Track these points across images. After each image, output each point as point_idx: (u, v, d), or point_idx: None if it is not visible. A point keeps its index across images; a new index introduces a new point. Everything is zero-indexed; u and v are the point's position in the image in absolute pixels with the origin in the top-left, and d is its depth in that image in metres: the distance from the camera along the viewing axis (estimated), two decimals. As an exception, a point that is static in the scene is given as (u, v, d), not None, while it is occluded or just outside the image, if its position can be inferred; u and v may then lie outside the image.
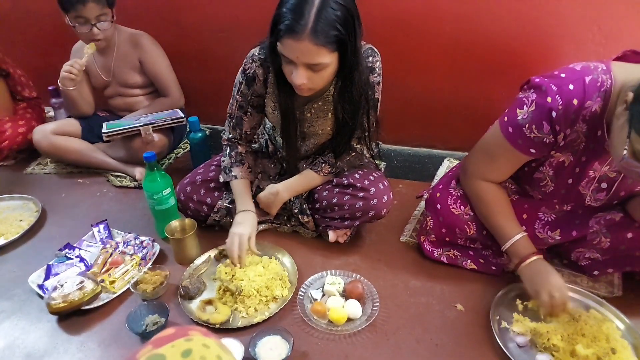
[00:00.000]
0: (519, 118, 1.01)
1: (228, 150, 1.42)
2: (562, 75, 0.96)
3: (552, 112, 0.96)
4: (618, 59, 1.00)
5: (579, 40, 1.48)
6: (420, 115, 1.82)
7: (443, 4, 1.57)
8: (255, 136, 1.48)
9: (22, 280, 1.31)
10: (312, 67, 1.07)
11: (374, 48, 1.24)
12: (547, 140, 1.01)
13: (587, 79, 0.93)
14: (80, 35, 1.71)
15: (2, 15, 2.22)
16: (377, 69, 1.24)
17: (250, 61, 1.27)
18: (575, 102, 0.94)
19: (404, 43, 1.67)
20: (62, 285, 1.22)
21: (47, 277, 1.31)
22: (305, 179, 1.39)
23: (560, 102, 0.95)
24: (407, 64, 1.71)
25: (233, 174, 1.38)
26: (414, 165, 1.84)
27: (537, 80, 0.99)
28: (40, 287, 1.28)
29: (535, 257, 1.10)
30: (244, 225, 1.30)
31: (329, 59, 1.06)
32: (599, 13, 1.42)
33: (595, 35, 1.45)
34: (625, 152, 0.85)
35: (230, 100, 1.37)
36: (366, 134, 1.30)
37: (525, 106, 1.00)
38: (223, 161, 1.42)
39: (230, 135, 1.41)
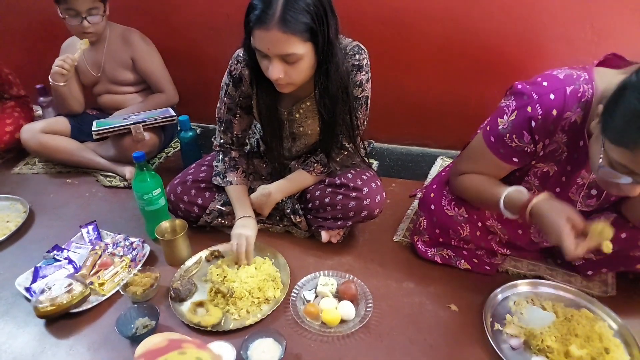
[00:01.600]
0: (499, 127, 1.01)
1: (221, 156, 1.40)
2: (545, 83, 0.95)
3: (532, 122, 0.96)
4: (601, 63, 0.99)
5: (571, 38, 1.48)
6: (413, 114, 1.81)
7: (435, 3, 1.56)
8: (246, 139, 1.46)
9: (9, 283, 1.29)
10: (286, 58, 1.05)
11: (361, 45, 1.22)
12: (528, 150, 1.01)
13: (569, 90, 0.92)
14: (70, 28, 1.68)
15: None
16: (364, 67, 1.22)
17: (236, 62, 1.26)
18: (554, 112, 0.94)
19: (396, 42, 1.67)
20: (50, 288, 1.20)
21: (34, 280, 1.29)
22: (298, 179, 1.37)
23: (540, 112, 0.94)
24: (399, 62, 1.71)
25: (228, 179, 1.37)
26: (407, 163, 1.83)
27: (519, 87, 0.99)
28: (28, 289, 1.26)
29: (529, 207, 0.98)
30: (248, 228, 1.29)
31: (301, 49, 1.04)
32: (592, 11, 1.42)
33: (587, 34, 1.45)
34: (601, 160, 0.85)
35: (218, 104, 1.34)
36: (355, 131, 1.29)
37: (505, 115, 1.00)
38: (216, 166, 1.40)
39: (221, 141, 1.39)
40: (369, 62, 1.23)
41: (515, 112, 0.98)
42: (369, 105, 1.29)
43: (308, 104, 1.27)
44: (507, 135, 1.00)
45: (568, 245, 0.90)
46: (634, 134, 0.77)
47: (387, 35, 1.66)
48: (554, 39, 1.50)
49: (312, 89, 1.22)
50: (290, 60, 1.06)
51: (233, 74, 1.27)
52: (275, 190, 1.37)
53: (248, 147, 1.52)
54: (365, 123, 1.32)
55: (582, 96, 0.92)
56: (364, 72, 1.22)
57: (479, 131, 1.35)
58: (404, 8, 1.60)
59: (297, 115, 1.30)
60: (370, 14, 1.64)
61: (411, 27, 1.63)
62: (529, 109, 0.95)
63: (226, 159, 1.39)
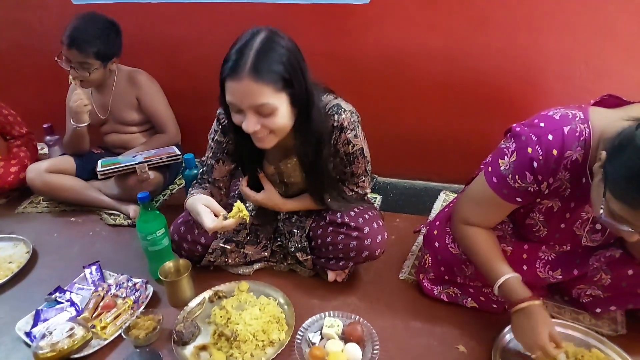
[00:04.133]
0: (501, 168, 1.02)
1: (192, 189, 1.36)
2: (542, 124, 0.97)
3: (534, 163, 0.97)
4: (597, 103, 1.01)
5: (567, 77, 1.51)
6: (415, 149, 1.84)
7: (434, 43, 1.61)
8: (224, 186, 1.39)
9: (9, 327, 1.27)
10: (260, 110, 1.04)
11: (340, 104, 1.19)
12: (532, 189, 1.01)
13: (566, 129, 0.94)
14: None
15: (-2, 55, 2.25)
16: (347, 126, 1.18)
17: (223, 112, 1.24)
18: (555, 152, 0.95)
19: (398, 80, 1.71)
20: (50, 333, 1.18)
21: (35, 324, 1.27)
22: (304, 202, 1.38)
23: (541, 153, 0.96)
24: (401, 99, 1.74)
25: (192, 191, 1.34)
26: (411, 198, 1.84)
27: (517, 129, 1.01)
28: (28, 334, 1.24)
29: (526, 304, 1.03)
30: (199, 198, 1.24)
31: (274, 100, 1.03)
32: (587, 51, 1.46)
33: (583, 72, 1.48)
34: (602, 210, 0.86)
35: (207, 151, 1.35)
36: (359, 179, 1.30)
37: (506, 156, 1.02)
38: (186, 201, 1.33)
39: (196, 181, 1.39)
40: (354, 118, 1.20)
41: (516, 153, 0.99)
42: (366, 155, 1.28)
43: (295, 159, 1.28)
44: (510, 176, 1.01)
45: (534, 351, 1.00)
46: (635, 194, 0.77)
47: (388, 73, 1.70)
48: (550, 77, 1.54)
49: (292, 143, 1.21)
50: (264, 112, 1.05)
51: (221, 121, 1.28)
52: (284, 206, 1.37)
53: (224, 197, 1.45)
54: (368, 170, 1.32)
55: (580, 135, 0.94)
56: (348, 131, 1.19)
57: (479, 171, 1.38)
58: (405, 48, 1.65)
59: (284, 169, 1.31)
60: (372, 53, 1.69)
61: (412, 65, 1.67)
62: (530, 150, 0.96)
63: (192, 189, 1.35)
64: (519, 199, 1.05)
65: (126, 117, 1.86)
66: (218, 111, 1.29)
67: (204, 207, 1.21)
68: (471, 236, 1.14)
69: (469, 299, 1.26)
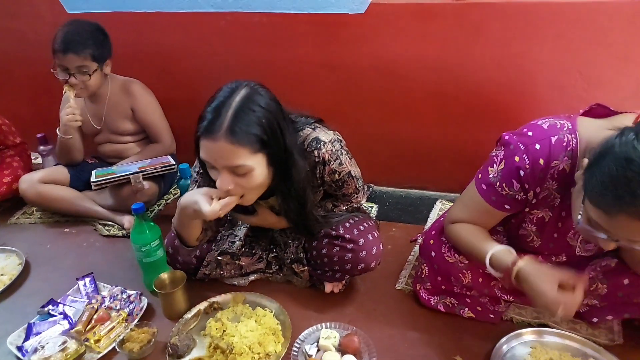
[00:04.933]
0: (490, 176, 1.05)
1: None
2: (530, 133, 0.99)
3: (520, 171, 0.98)
4: (585, 113, 1.02)
5: (561, 86, 1.53)
6: (411, 158, 1.84)
7: (429, 53, 1.62)
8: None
9: (1, 341, 1.24)
10: (235, 170, 1.03)
11: (319, 137, 1.16)
12: (519, 197, 1.03)
13: (553, 139, 0.95)
14: (60, 80, 1.70)
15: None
16: (328, 158, 1.16)
17: (199, 163, 1.21)
18: (541, 162, 0.96)
19: (393, 90, 1.71)
20: (43, 347, 1.17)
21: (27, 338, 1.25)
22: None
23: (527, 162, 0.97)
24: (396, 109, 1.75)
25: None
26: (407, 207, 1.84)
27: (506, 137, 1.03)
28: (20, 348, 1.21)
29: (515, 270, 0.99)
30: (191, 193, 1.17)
31: (250, 161, 1.02)
32: (581, 60, 1.48)
33: (577, 81, 1.50)
34: (580, 217, 0.87)
35: (191, 185, 1.33)
36: (352, 197, 1.31)
37: (495, 164, 1.04)
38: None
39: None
40: (335, 147, 1.18)
41: (504, 161, 1.02)
42: (355, 175, 1.26)
43: (272, 200, 1.27)
44: (498, 183, 1.03)
45: (554, 312, 0.93)
46: (611, 201, 0.78)
47: (383, 83, 1.71)
48: (544, 87, 1.55)
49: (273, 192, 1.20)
50: (239, 172, 1.03)
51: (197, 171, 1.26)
52: (278, 222, 1.35)
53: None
54: (359, 187, 1.30)
55: (567, 145, 0.95)
56: (332, 163, 1.17)
57: (468, 185, 1.38)
58: (399, 58, 1.66)
59: (273, 203, 1.30)
60: (367, 63, 1.69)
61: (407, 75, 1.68)
62: (517, 159, 0.98)
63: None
64: (507, 207, 1.07)
65: (120, 127, 1.85)
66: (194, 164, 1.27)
67: (199, 195, 1.11)
68: (458, 230, 1.16)
69: (466, 309, 1.26)
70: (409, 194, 1.91)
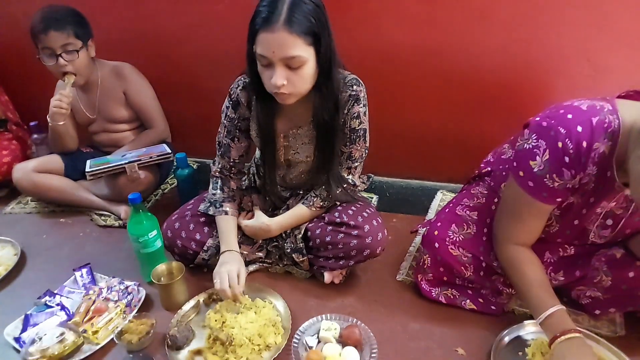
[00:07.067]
0: (535, 170, 0.97)
1: (220, 183, 1.38)
2: (569, 116, 0.93)
3: (565, 157, 0.93)
4: (620, 97, 0.99)
5: (569, 73, 1.49)
6: (412, 148, 1.81)
7: (433, 39, 1.58)
8: (244, 169, 1.46)
9: (-3, 333, 1.23)
10: (290, 62, 1.06)
11: (358, 78, 1.24)
12: (570, 185, 0.97)
13: (594, 120, 0.90)
14: (50, 69, 1.66)
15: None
16: (362, 99, 1.23)
17: (236, 86, 1.29)
18: (584, 144, 0.91)
19: (395, 77, 1.68)
20: (40, 338, 1.16)
21: (24, 329, 1.23)
22: (297, 215, 1.36)
23: (571, 146, 0.92)
24: (397, 97, 1.71)
25: (224, 209, 1.35)
26: (407, 198, 1.82)
27: (544, 124, 0.95)
28: (17, 340, 1.20)
29: (571, 335, 0.98)
30: (232, 263, 1.25)
31: (305, 53, 1.06)
32: (588, 46, 1.44)
33: (584, 69, 1.46)
34: None
35: (219, 129, 1.36)
36: (354, 163, 1.31)
37: (537, 157, 0.96)
38: (214, 194, 1.38)
39: (220, 167, 1.38)
40: (366, 96, 1.25)
41: (548, 150, 0.94)
42: (367, 138, 1.30)
43: (305, 128, 1.28)
44: (548, 176, 0.96)
45: None
46: None
47: (385, 70, 1.67)
48: (551, 74, 1.51)
49: (309, 115, 1.24)
50: (294, 65, 1.06)
51: (232, 97, 1.30)
52: (275, 227, 1.35)
53: (246, 180, 1.51)
54: (364, 156, 1.32)
55: (608, 127, 0.90)
56: (361, 105, 1.23)
57: (480, 170, 1.36)
58: (402, 44, 1.62)
59: (292, 140, 1.31)
60: (369, 50, 1.65)
61: (409, 63, 1.64)
62: (560, 144, 0.92)
63: (225, 188, 1.38)
64: (559, 199, 1.01)
65: (115, 114, 1.81)
66: (231, 86, 1.31)
67: (234, 266, 1.24)
68: (517, 258, 1.10)
69: (468, 300, 1.25)
70: (409, 185, 1.89)
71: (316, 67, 1.11)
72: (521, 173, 1.00)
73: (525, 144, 0.99)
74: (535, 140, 0.96)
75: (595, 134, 0.90)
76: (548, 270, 1.16)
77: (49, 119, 1.70)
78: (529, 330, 1.16)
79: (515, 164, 1.02)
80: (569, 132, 0.91)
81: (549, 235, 1.14)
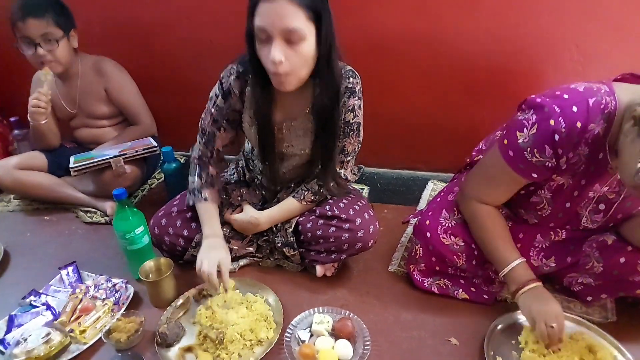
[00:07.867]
0: (519, 141, 0.97)
1: (198, 170, 1.34)
2: (565, 96, 0.93)
3: (555, 135, 0.93)
4: (617, 81, 0.99)
5: (557, 59, 1.49)
6: (402, 138, 1.80)
7: (421, 28, 1.56)
8: (224, 159, 1.40)
9: (-20, 335, 1.20)
10: (289, 36, 1.02)
11: (355, 70, 1.22)
12: (549, 164, 0.98)
13: (591, 101, 0.91)
14: (29, 59, 1.60)
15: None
16: (357, 92, 1.21)
17: (228, 74, 1.24)
18: (578, 124, 0.91)
19: (384, 66, 1.66)
20: (25, 339, 1.13)
21: (9, 330, 1.20)
22: (287, 209, 1.34)
23: (564, 125, 0.92)
24: (387, 86, 1.70)
25: (203, 196, 1.31)
26: (398, 188, 1.81)
27: (538, 100, 0.96)
28: (2, 341, 1.17)
29: (533, 284, 1.06)
30: (219, 248, 1.23)
31: (305, 27, 1.02)
32: (577, 32, 1.44)
33: (573, 54, 1.46)
34: (639, 165, 0.83)
35: (203, 115, 1.31)
36: (347, 157, 1.28)
37: (525, 129, 0.96)
38: (192, 182, 1.34)
39: (200, 154, 1.34)
40: (361, 89, 1.23)
41: (537, 125, 0.95)
42: (361, 132, 1.27)
43: (299, 120, 1.25)
44: (528, 149, 0.97)
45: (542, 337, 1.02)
46: None
47: (374, 59, 1.65)
48: (540, 60, 1.51)
49: (305, 106, 1.21)
50: (293, 39, 1.02)
51: (223, 85, 1.25)
52: (265, 220, 1.33)
53: (235, 174, 1.48)
54: (357, 150, 1.30)
55: (604, 108, 0.91)
56: (356, 98, 1.21)
57: (471, 157, 1.35)
58: (391, 33, 1.60)
59: (287, 132, 1.27)
60: (357, 38, 1.63)
61: (398, 51, 1.62)
62: (552, 122, 0.92)
63: (203, 174, 1.33)
64: (534, 175, 1.01)
65: (96, 110, 1.77)
66: (222, 73, 1.25)
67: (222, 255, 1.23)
68: (481, 213, 1.13)
69: (460, 290, 1.25)
70: (400, 175, 1.87)
71: (316, 49, 1.07)
72: (505, 141, 1.02)
73: (518, 116, 1.00)
74: (528, 114, 0.97)
75: (591, 115, 0.91)
76: (539, 256, 1.17)
77: (29, 119, 1.65)
78: (521, 318, 1.16)
79: (504, 132, 1.04)
80: (563, 112, 0.92)
81: (541, 219, 1.14)
